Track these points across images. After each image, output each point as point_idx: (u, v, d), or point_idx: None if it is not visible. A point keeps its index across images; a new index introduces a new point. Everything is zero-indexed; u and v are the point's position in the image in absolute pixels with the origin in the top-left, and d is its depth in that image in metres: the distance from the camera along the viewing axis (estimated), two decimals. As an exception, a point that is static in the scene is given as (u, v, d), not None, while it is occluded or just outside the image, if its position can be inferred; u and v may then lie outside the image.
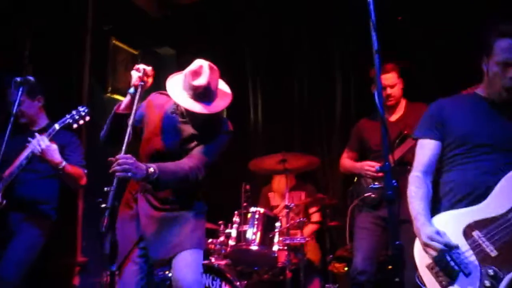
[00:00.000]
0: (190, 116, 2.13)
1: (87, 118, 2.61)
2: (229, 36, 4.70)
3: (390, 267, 3.36)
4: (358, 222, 2.94)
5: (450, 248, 1.67)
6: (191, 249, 2.12)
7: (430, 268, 1.73)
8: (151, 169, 1.90)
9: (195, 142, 2.14)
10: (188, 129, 2.16)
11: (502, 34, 1.79)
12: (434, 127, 1.93)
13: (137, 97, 2.01)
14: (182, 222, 2.15)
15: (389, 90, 2.89)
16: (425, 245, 1.72)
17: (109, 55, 4.43)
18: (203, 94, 2.03)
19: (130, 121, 1.94)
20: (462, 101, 1.96)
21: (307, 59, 4.48)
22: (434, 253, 1.70)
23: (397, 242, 1.39)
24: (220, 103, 2.08)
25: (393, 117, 2.98)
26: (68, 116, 2.58)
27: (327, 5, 4.21)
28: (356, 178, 3.07)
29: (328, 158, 4.18)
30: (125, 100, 2.10)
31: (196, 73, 2.03)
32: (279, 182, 3.91)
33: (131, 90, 2.07)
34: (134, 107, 1.97)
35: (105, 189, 1.73)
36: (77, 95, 4.09)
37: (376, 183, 2.87)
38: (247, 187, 3.34)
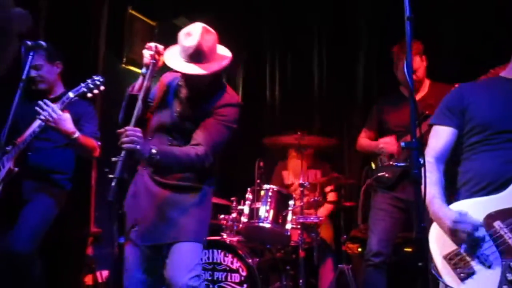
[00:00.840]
0: (187, 82, 2.05)
1: (102, 88, 2.54)
2: (248, 9, 4.55)
3: (407, 249, 3.31)
4: (374, 203, 2.87)
5: (477, 227, 1.58)
6: (190, 242, 2.01)
7: (448, 258, 1.63)
8: (154, 150, 1.84)
9: (193, 114, 2.05)
10: (186, 100, 2.08)
11: None
12: (452, 114, 1.84)
13: (147, 75, 1.95)
14: (184, 206, 2.04)
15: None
16: (451, 231, 1.61)
17: (125, 25, 4.34)
18: (195, 55, 1.94)
19: (141, 96, 1.89)
20: (484, 86, 1.85)
21: (328, 35, 4.34)
22: (463, 237, 1.59)
23: (422, 225, 1.30)
24: (214, 65, 1.97)
25: (417, 96, 2.84)
26: (82, 84, 2.51)
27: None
28: (372, 161, 2.97)
29: (347, 138, 4.08)
30: (138, 81, 2.03)
31: (188, 34, 1.96)
32: (296, 161, 3.84)
33: (143, 70, 2.01)
34: (145, 83, 1.92)
35: (113, 159, 1.66)
36: (92, 64, 4.03)
37: (391, 162, 2.77)
38: (261, 163, 3.27)
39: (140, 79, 2.02)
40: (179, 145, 2.02)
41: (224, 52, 2.08)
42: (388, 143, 2.80)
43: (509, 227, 1.57)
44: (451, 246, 1.63)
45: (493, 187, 1.66)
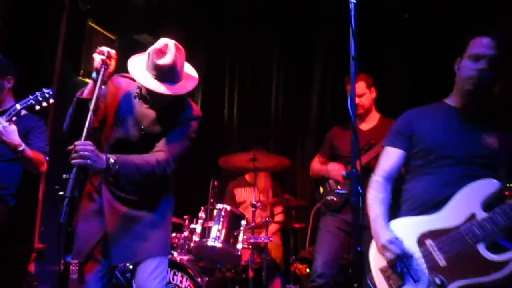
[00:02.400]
0: (153, 99, 2.01)
1: (51, 101, 2.49)
2: (210, 31, 4.65)
3: (351, 270, 3.44)
4: (322, 225, 2.98)
5: (405, 255, 1.72)
6: (157, 257, 2.03)
7: (383, 271, 1.77)
8: (111, 160, 1.80)
9: (159, 130, 2.03)
10: (151, 115, 2.04)
11: (478, 33, 1.85)
12: (402, 137, 1.97)
13: (99, 80, 1.89)
14: (148, 222, 2.03)
15: (357, 100, 2.94)
16: (384, 248, 1.75)
17: (84, 37, 4.29)
18: (168, 74, 1.92)
19: (92, 106, 1.82)
20: (430, 111, 1.99)
21: (285, 59, 4.50)
22: (391, 256, 1.73)
23: (359, 248, 1.41)
24: (186, 85, 1.97)
25: (364, 126, 3.03)
26: (31, 97, 2.45)
27: (309, 8, 4.23)
28: (321, 186, 3.11)
29: (300, 160, 4.21)
30: (88, 85, 1.96)
31: (161, 52, 1.91)
32: (250, 179, 3.90)
33: (94, 74, 1.94)
34: (96, 92, 1.85)
35: (64, 176, 1.64)
36: (48, 76, 3.95)
37: (339, 187, 2.92)
38: (216, 183, 3.31)
39: (91, 84, 1.96)
40: None
41: (190, 70, 2.09)
42: (334, 169, 2.94)
43: (438, 246, 1.71)
44: (385, 260, 1.77)
45: (427, 207, 1.80)
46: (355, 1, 1.54)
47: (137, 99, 2.07)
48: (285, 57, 4.53)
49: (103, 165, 1.78)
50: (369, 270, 1.81)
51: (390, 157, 1.97)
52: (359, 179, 1.45)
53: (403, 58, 3.97)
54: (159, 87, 1.91)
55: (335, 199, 2.91)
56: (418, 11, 3.87)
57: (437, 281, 1.65)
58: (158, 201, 2.09)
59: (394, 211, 1.92)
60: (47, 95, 2.47)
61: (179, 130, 2.03)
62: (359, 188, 1.45)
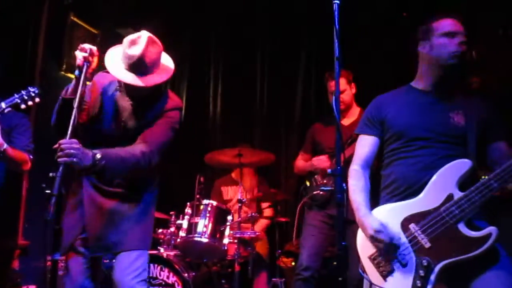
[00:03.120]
0: (129, 90, 2.03)
1: (37, 100, 2.47)
2: (194, 25, 4.64)
3: (335, 263, 3.51)
4: (307, 220, 3.04)
5: (393, 239, 1.76)
6: (136, 250, 2.03)
7: (371, 259, 1.82)
8: (98, 156, 1.81)
9: (140, 123, 2.04)
10: (131, 108, 2.06)
11: (441, 16, 1.89)
12: (373, 123, 2.00)
13: (82, 78, 1.88)
14: (128, 215, 2.04)
15: None
16: (372, 238, 1.79)
17: (66, 31, 4.23)
18: (137, 65, 1.93)
19: (75, 104, 1.83)
20: (399, 95, 2.01)
21: (270, 55, 4.52)
22: (380, 245, 1.77)
23: (343, 243, 1.45)
24: (156, 78, 1.97)
25: (346, 121, 3.08)
26: (16, 95, 2.43)
27: (294, 4, 4.25)
28: (307, 180, 3.15)
29: (284, 155, 4.25)
30: (71, 84, 1.96)
31: (133, 42, 1.95)
32: (236, 175, 3.94)
33: (76, 72, 1.94)
34: (79, 89, 1.85)
35: (50, 174, 1.65)
36: (30, 70, 3.89)
37: (325, 181, 2.97)
38: (202, 179, 3.33)
39: (74, 81, 1.95)
40: None
41: (168, 62, 2.09)
42: (320, 160, 3.00)
43: (421, 229, 1.76)
44: (374, 248, 1.82)
45: (410, 192, 1.83)
46: (338, 2, 1.57)
47: (118, 92, 2.09)
48: (270, 52, 4.55)
49: (89, 162, 1.79)
50: (359, 261, 1.85)
51: (364, 144, 2.01)
52: (343, 175, 1.49)
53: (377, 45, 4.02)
54: (128, 77, 1.93)
55: (321, 193, 2.96)
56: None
57: (424, 263, 1.70)
58: (140, 194, 2.10)
59: (374, 197, 1.96)
60: (33, 94, 2.45)
61: (161, 121, 2.04)
62: (343, 185, 1.49)
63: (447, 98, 1.91)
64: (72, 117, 1.79)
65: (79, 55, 1.93)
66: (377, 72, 3.88)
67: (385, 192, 1.95)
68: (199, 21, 4.64)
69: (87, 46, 1.94)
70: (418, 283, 1.69)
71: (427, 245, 1.74)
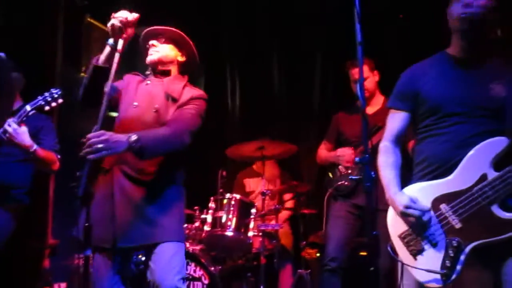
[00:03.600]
0: (158, 72, 2.12)
1: (60, 101, 2.52)
2: (208, 19, 4.63)
3: (362, 253, 3.49)
4: (333, 211, 3.00)
5: (424, 213, 1.71)
6: (174, 241, 1.95)
7: (401, 237, 1.78)
8: (133, 137, 1.77)
9: (170, 109, 2.04)
10: (162, 94, 2.06)
11: None
12: (404, 97, 1.92)
13: (116, 56, 1.81)
14: (164, 204, 1.97)
15: None
16: (403, 214, 1.76)
17: (82, 33, 4.27)
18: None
19: (107, 89, 1.76)
20: (432, 65, 1.91)
21: (286, 45, 4.48)
22: (411, 220, 1.74)
23: (374, 232, 1.43)
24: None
25: (370, 110, 3.02)
26: (40, 98, 2.48)
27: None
28: (330, 170, 3.12)
29: (304, 145, 4.23)
30: (105, 51, 1.92)
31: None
32: (259, 168, 3.93)
33: (110, 41, 1.89)
34: (113, 69, 1.78)
35: (77, 174, 1.64)
36: (49, 74, 3.95)
37: (349, 171, 2.93)
38: (224, 173, 3.34)
39: (107, 49, 1.90)
40: None
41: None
42: (345, 154, 2.95)
43: (452, 209, 1.71)
44: (404, 226, 1.78)
45: (441, 171, 1.77)
46: (357, -15, 1.53)
47: (148, 83, 2.12)
48: (286, 42, 4.50)
49: (124, 147, 1.75)
50: (389, 240, 1.81)
51: (395, 119, 1.95)
52: (371, 163, 1.46)
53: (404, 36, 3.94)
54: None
55: (346, 183, 2.92)
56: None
57: (454, 243, 1.67)
58: (171, 185, 2.05)
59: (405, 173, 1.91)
60: (56, 95, 2.50)
61: (189, 107, 2.05)
62: (372, 173, 1.46)
63: (484, 65, 1.81)
64: (102, 107, 1.72)
65: (114, 21, 1.89)
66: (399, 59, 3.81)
67: (418, 168, 1.89)
68: (216, 17, 4.63)
69: (122, 14, 1.90)
70: (448, 263, 1.66)
71: (458, 225, 1.70)
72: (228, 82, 4.67)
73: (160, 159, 2.00)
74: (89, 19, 4.32)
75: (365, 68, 2.95)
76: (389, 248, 1.76)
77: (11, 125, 2.39)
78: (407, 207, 1.73)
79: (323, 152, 3.19)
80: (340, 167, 3.02)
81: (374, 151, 2.68)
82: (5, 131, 2.38)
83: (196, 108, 2.06)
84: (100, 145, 1.68)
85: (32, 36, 3.74)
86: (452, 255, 1.67)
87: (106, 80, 1.79)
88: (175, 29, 2.17)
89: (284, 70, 4.53)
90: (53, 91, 2.52)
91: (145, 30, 2.14)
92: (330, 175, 3.09)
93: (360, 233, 2.96)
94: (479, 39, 1.80)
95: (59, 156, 2.70)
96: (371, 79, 3.00)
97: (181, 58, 2.20)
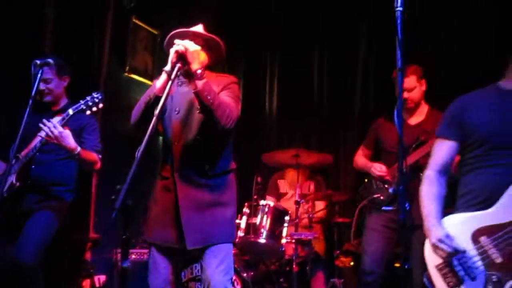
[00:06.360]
0: (187, 75, 2.06)
1: (101, 105, 2.58)
2: (250, 22, 4.63)
3: (396, 264, 3.42)
4: (368, 224, 2.95)
5: (458, 252, 1.69)
6: (224, 243, 2.08)
7: (439, 268, 1.75)
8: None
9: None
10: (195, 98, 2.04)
11: None
12: (453, 127, 1.90)
13: (169, 83, 1.82)
14: (221, 203, 2.08)
15: (406, 94, 2.83)
16: (434, 247, 1.74)
17: (129, 34, 4.40)
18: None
19: (157, 112, 1.77)
20: (483, 97, 1.89)
21: (328, 52, 4.42)
22: (443, 255, 1.72)
23: (406, 266, 1.39)
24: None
25: (413, 120, 2.93)
26: (82, 102, 2.56)
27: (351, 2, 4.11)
28: (366, 179, 3.06)
29: (343, 153, 4.17)
30: (161, 78, 1.96)
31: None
32: (293, 174, 3.92)
33: (167, 67, 1.92)
34: (164, 95, 1.79)
35: (117, 187, 1.69)
36: (97, 74, 4.10)
37: (386, 185, 2.87)
38: (259, 179, 3.35)
39: (164, 77, 1.94)
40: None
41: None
42: (377, 170, 2.89)
43: (493, 243, 1.68)
44: (441, 258, 1.75)
45: (489, 203, 1.74)
46: (401, 9, 1.48)
47: (181, 86, 2.13)
48: (326, 50, 4.44)
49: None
50: (426, 269, 1.80)
51: (442, 149, 1.92)
52: (406, 194, 1.42)
53: (450, 38, 3.77)
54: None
55: (381, 197, 2.86)
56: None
57: (494, 278, 1.63)
58: (227, 183, 2.15)
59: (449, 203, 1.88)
60: (97, 100, 2.57)
61: (226, 93, 2.08)
62: (407, 205, 1.42)
63: None
64: (150, 126, 1.73)
65: (172, 51, 1.90)
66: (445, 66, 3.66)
67: (463, 199, 1.85)
68: (255, 18, 4.63)
69: (185, 44, 1.89)
70: None
71: (499, 260, 1.65)
72: (267, 86, 4.67)
73: (216, 159, 2.10)
74: (134, 20, 4.43)
75: (413, 78, 2.85)
76: (425, 279, 1.71)
77: (56, 127, 2.49)
78: (440, 240, 1.72)
79: (360, 158, 3.13)
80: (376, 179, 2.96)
81: (415, 167, 2.61)
82: (51, 133, 2.48)
83: (233, 91, 2.09)
84: None
85: (81, 35, 3.89)
86: None
87: (157, 105, 1.82)
88: (208, 34, 2.11)
89: (325, 75, 4.46)
90: (95, 95, 2.58)
91: (178, 31, 2.06)
92: (366, 180, 3.02)
93: (397, 246, 2.90)
94: None
95: (100, 156, 2.80)
96: (418, 89, 2.87)
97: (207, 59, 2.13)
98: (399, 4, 1.48)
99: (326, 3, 4.29)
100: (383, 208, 2.73)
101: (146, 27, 4.55)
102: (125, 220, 1.73)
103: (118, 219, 1.72)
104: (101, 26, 4.09)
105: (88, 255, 3.85)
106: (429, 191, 1.87)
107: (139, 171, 1.78)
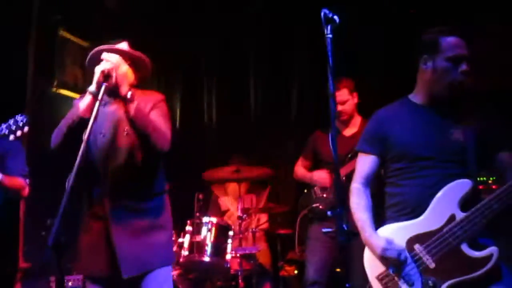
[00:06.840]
0: (113, 94, 1.95)
1: (26, 129, 2.37)
2: (186, 36, 4.59)
3: (338, 269, 3.53)
4: (310, 233, 3.02)
5: (400, 255, 1.78)
6: (162, 267, 2.00)
7: (379, 279, 1.83)
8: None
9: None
10: (124, 116, 1.96)
11: (447, 33, 1.85)
12: (373, 142, 1.99)
13: (97, 104, 1.72)
14: (154, 230, 1.98)
15: (340, 107, 2.95)
16: (381, 257, 1.81)
17: (56, 47, 4.17)
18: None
19: (86, 136, 1.68)
20: (399, 110, 1.99)
21: (263, 62, 4.49)
22: (391, 261, 1.79)
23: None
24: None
25: (347, 132, 3.05)
26: (3, 125, 2.35)
27: (289, 13, 4.20)
28: (306, 189, 3.13)
29: (282, 163, 4.23)
30: (85, 100, 1.83)
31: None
32: (234, 187, 3.92)
33: (92, 88, 1.80)
34: (92, 118, 1.70)
35: (48, 221, 1.58)
36: (20, 89, 3.84)
37: (324, 195, 2.94)
38: (201, 196, 3.32)
39: (88, 98, 1.82)
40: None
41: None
42: (321, 177, 2.97)
43: (426, 250, 1.78)
44: (381, 268, 1.83)
45: (418, 212, 1.84)
46: (331, 36, 1.53)
47: (105, 106, 2.00)
48: (263, 59, 4.51)
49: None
50: (367, 281, 1.86)
51: (365, 162, 2.01)
52: (344, 192, 1.45)
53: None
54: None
55: (320, 206, 2.94)
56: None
57: (430, 283, 1.72)
58: (162, 206, 2.05)
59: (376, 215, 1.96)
60: (21, 123, 2.35)
61: (157, 111, 2.00)
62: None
63: (446, 113, 1.90)
64: (80, 153, 1.63)
65: (98, 69, 1.81)
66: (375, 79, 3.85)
67: (391, 210, 1.95)
68: (191, 31, 4.59)
69: (111, 58, 1.83)
70: None
71: (432, 265, 1.75)
72: (205, 99, 4.65)
73: (149, 181, 2.02)
74: (62, 33, 4.21)
75: (345, 92, 2.96)
76: None
77: None
78: (385, 249, 1.79)
79: (300, 169, 3.19)
80: (315, 188, 3.03)
81: (349, 179, 2.71)
82: None
83: (163, 110, 2.03)
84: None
85: (3, 51, 3.63)
86: None
87: (84, 129, 1.72)
88: (135, 52, 2.03)
89: (262, 88, 4.52)
90: (18, 118, 2.36)
91: (102, 47, 1.96)
92: (306, 191, 3.09)
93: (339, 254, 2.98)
94: (458, 98, 1.88)
95: (27, 181, 2.61)
96: (350, 102, 2.99)
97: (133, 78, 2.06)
98: (329, 31, 1.52)
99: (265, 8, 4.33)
100: (323, 230, 2.79)
101: (75, 39, 4.33)
102: (58, 259, 1.62)
103: (51, 257, 1.61)
104: (26, 39, 3.84)
105: (18, 287, 3.58)
106: (359, 203, 1.95)
107: (71, 203, 1.69)
